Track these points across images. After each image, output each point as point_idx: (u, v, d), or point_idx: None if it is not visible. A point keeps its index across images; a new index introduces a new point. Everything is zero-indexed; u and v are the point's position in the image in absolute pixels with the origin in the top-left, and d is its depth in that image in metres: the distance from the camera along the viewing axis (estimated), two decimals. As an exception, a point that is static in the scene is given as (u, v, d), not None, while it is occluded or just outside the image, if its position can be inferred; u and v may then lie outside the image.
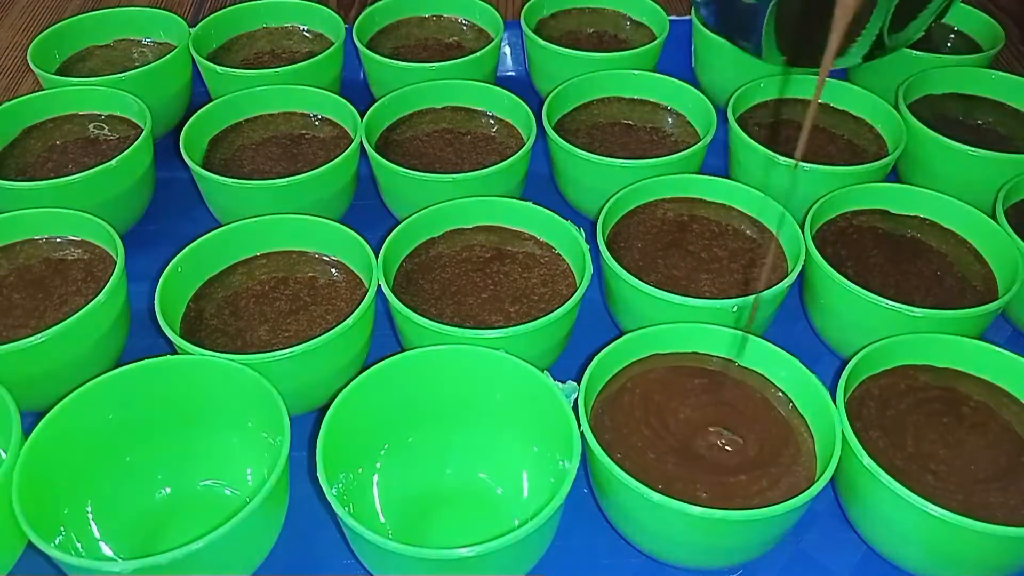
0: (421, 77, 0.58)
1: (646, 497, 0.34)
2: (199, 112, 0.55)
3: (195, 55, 0.60)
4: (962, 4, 0.68)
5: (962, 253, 0.49)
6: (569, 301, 0.42)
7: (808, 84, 0.60)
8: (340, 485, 0.37)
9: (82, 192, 0.49)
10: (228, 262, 0.47)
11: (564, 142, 0.52)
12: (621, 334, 0.42)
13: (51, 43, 0.61)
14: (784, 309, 0.47)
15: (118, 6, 0.66)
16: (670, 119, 0.58)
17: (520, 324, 0.41)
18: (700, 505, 0.34)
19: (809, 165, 0.51)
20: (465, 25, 0.67)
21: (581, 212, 0.55)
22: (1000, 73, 0.60)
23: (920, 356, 0.42)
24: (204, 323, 0.45)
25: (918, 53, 0.61)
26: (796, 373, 0.40)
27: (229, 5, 0.67)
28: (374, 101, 0.56)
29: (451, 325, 0.41)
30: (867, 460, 0.36)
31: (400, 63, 0.60)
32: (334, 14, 0.65)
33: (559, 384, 0.39)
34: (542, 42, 0.61)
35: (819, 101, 0.31)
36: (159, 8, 0.66)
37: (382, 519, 0.39)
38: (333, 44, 0.61)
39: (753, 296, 0.42)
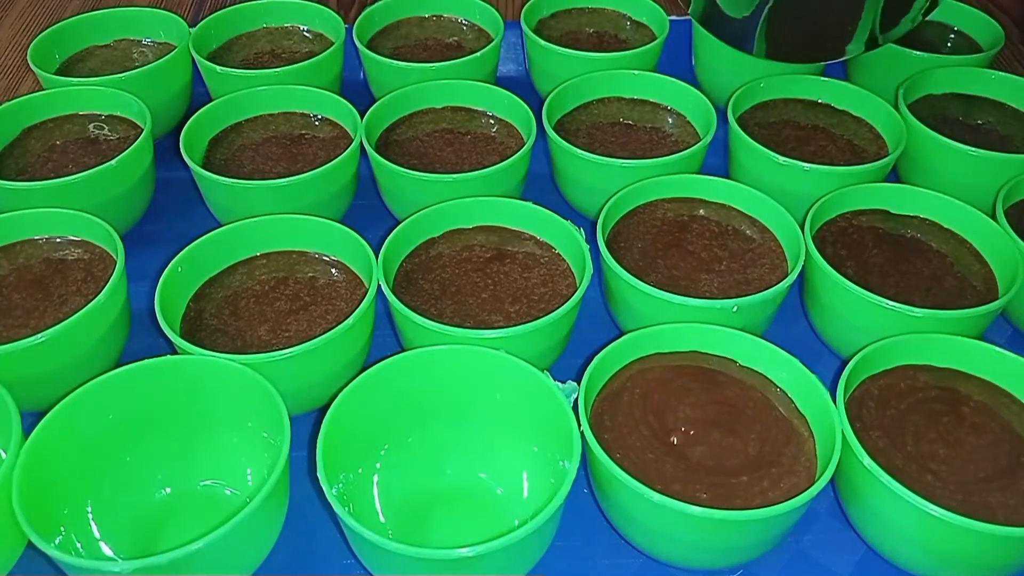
0: (421, 77, 0.58)
1: (646, 497, 0.34)
2: (199, 112, 0.55)
3: (195, 55, 0.60)
4: (962, 4, 0.68)
5: (962, 253, 0.49)
6: (569, 301, 0.42)
7: (809, 84, 0.61)
8: (340, 485, 0.37)
9: (82, 192, 0.49)
10: (228, 262, 0.47)
11: (564, 142, 0.52)
12: (621, 334, 0.42)
13: (51, 43, 0.61)
14: (784, 309, 0.47)
15: (118, 6, 0.66)
16: (670, 119, 0.58)
17: (520, 324, 0.41)
18: (700, 505, 0.34)
19: (809, 165, 0.51)
20: (465, 25, 0.67)
21: (581, 212, 0.55)
22: (1000, 73, 0.60)
23: (920, 356, 0.42)
24: (204, 323, 0.45)
25: (918, 53, 0.61)
26: (796, 373, 0.40)
27: (229, 5, 0.67)
28: (374, 101, 0.56)
29: (451, 325, 0.41)
30: (867, 460, 0.36)
31: (400, 63, 0.60)
32: (334, 14, 0.65)
33: (559, 384, 0.39)
34: (542, 42, 0.61)
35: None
36: (159, 8, 0.66)
37: (382, 519, 0.39)
38: (333, 44, 0.61)
39: (754, 295, 0.43)
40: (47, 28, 0.62)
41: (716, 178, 0.52)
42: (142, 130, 0.53)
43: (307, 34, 0.66)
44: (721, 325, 0.42)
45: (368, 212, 0.55)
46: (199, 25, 0.62)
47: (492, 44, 0.61)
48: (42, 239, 0.48)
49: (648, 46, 0.61)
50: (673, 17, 0.65)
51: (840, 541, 0.40)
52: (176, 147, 0.52)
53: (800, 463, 0.38)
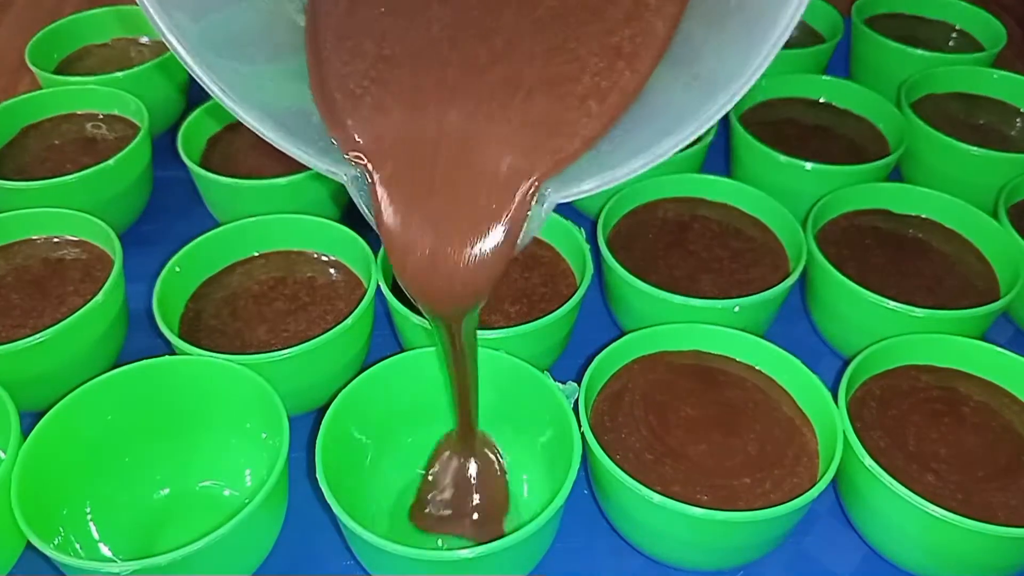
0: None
1: (646, 498, 0.34)
2: (197, 111, 0.55)
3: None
4: (964, 3, 0.68)
5: (964, 253, 0.49)
6: (569, 301, 0.42)
7: (811, 83, 0.60)
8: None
9: (80, 192, 0.49)
10: (226, 262, 0.47)
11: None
12: (621, 334, 0.42)
13: (49, 42, 0.61)
14: (785, 309, 0.47)
15: (116, 5, 0.66)
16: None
17: (520, 324, 0.41)
18: (701, 506, 0.33)
19: (811, 164, 0.51)
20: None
21: (581, 212, 0.55)
22: (1002, 72, 0.60)
23: (922, 356, 0.42)
24: (202, 323, 0.44)
25: (920, 52, 0.61)
26: (798, 373, 0.40)
27: (228, 4, 0.67)
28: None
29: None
30: (868, 460, 0.35)
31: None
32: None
33: (559, 384, 0.39)
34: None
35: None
36: (158, 7, 0.65)
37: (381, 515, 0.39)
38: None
39: (755, 296, 0.43)
40: (45, 27, 0.62)
41: (717, 178, 0.52)
42: (140, 129, 0.53)
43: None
44: (722, 325, 0.42)
45: (368, 212, 0.55)
46: (198, 24, 0.62)
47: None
48: (40, 239, 0.48)
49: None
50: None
51: (841, 542, 0.40)
52: (174, 146, 0.51)
53: (802, 464, 0.38)
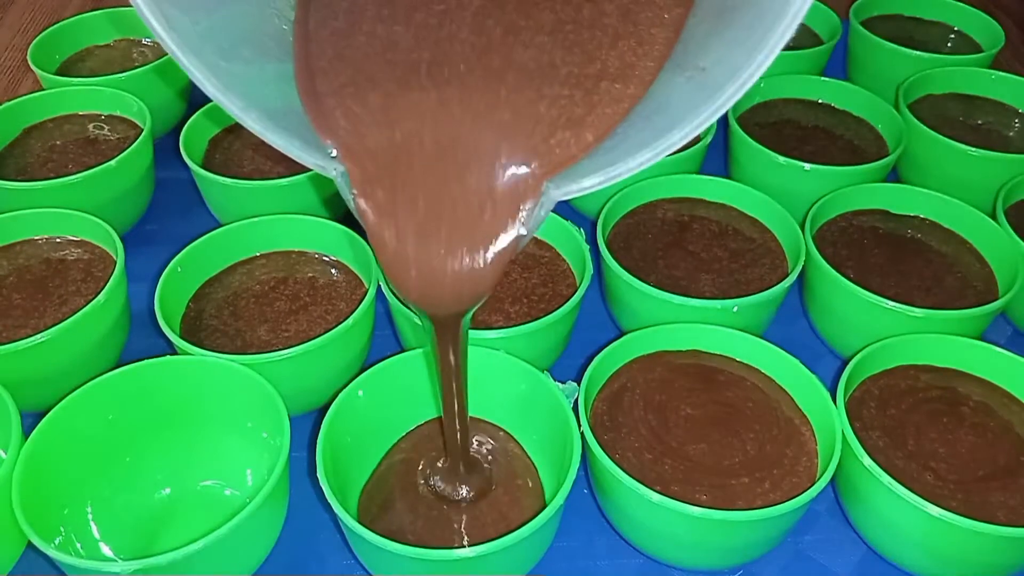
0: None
1: (646, 497, 0.34)
2: (199, 112, 0.55)
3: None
4: (962, 4, 0.68)
5: (962, 253, 0.49)
6: (569, 301, 0.42)
7: (809, 84, 0.60)
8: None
9: (82, 192, 0.49)
10: (228, 262, 0.47)
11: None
12: (621, 334, 0.42)
13: (51, 43, 0.61)
14: (784, 309, 0.47)
15: (118, 6, 0.66)
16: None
17: (520, 324, 0.41)
18: (700, 506, 0.34)
19: (810, 165, 0.51)
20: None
21: (581, 212, 0.55)
22: (1000, 73, 0.60)
23: (920, 356, 0.42)
24: (204, 323, 0.44)
25: (919, 53, 0.61)
26: (796, 373, 0.40)
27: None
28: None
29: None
30: (867, 460, 0.36)
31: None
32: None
33: (559, 384, 0.39)
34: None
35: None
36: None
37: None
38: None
39: (754, 296, 0.43)
40: (47, 28, 0.62)
41: (716, 178, 0.52)
42: (142, 130, 0.53)
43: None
44: (721, 325, 0.42)
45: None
46: (199, 25, 0.62)
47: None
48: (42, 239, 0.48)
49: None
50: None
51: (840, 541, 0.40)
52: (176, 147, 0.52)
53: (801, 463, 0.38)
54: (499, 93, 0.29)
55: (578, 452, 0.35)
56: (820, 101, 0.60)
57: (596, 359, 0.40)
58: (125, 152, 0.51)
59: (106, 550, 0.37)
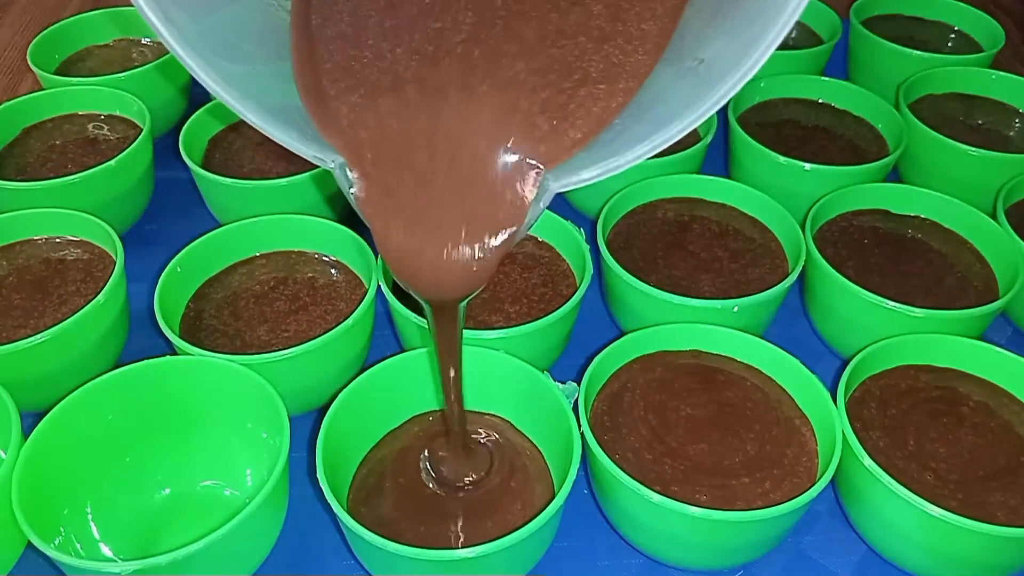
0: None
1: (645, 497, 0.34)
2: (199, 112, 0.55)
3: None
4: (963, 4, 0.68)
5: (963, 253, 0.49)
6: (569, 301, 0.42)
7: (809, 84, 0.60)
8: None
9: (81, 192, 0.49)
10: (227, 262, 0.47)
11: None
12: (621, 334, 0.42)
13: (51, 43, 0.61)
14: (784, 309, 0.47)
15: (118, 6, 0.66)
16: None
17: (520, 324, 0.41)
18: (700, 506, 0.34)
19: (810, 165, 0.51)
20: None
21: (581, 212, 0.55)
22: (1001, 73, 0.60)
23: (921, 356, 0.42)
24: (203, 323, 0.44)
25: (919, 53, 0.61)
26: (797, 373, 0.40)
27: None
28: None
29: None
30: (868, 460, 0.36)
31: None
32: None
33: (559, 384, 0.39)
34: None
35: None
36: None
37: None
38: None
39: (754, 296, 0.43)
40: (47, 28, 0.62)
41: (716, 178, 0.52)
42: (142, 130, 0.53)
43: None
44: (721, 325, 0.42)
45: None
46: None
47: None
48: (41, 239, 0.48)
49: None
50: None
51: (841, 541, 0.40)
52: (176, 147, 0.52)
53: (801, 464, 0.38)
54: (497, 87, 0.29)
55: (578, 452, 0.35)
56: (820, 101, 0.60)
57: (596, 359, 0.40)
58: (125, 152, 0.51)
59: (106, 550, 0.37)
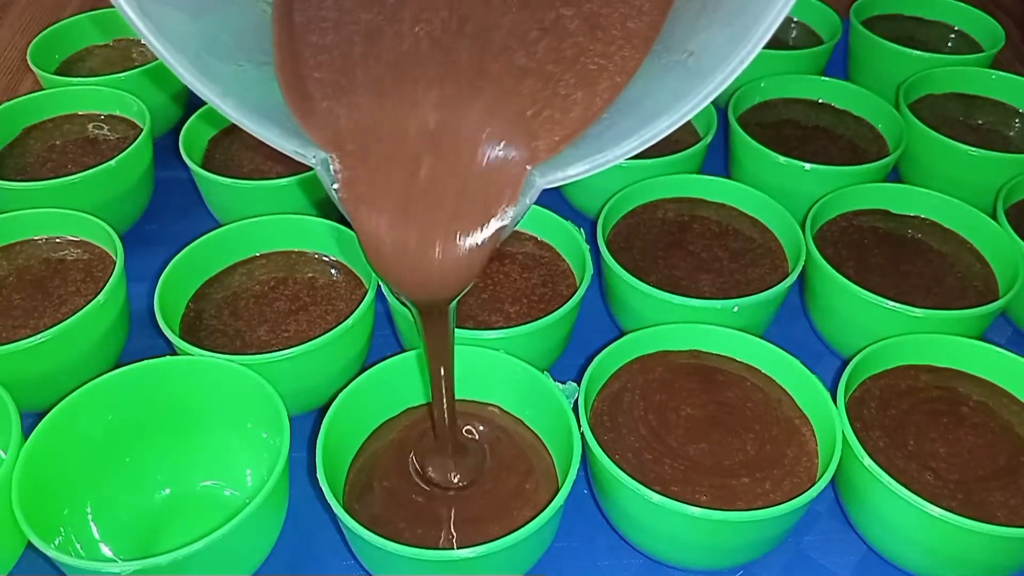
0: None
1: (645, 497, 0.34)
2: (199, 112, 0.55)
3: (195, 55, 0.60)
4: (963, 4, 0.68)
5: (963, 253, 0.49)
6: (569, 301, 0.42)
7: (809, 84, 0.60)
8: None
9: (81, 192, 0.49)
10: (227, 262, 0.47)
11: (564, 142, 0.52)
12: (621, 334, 0.42)
13: (50, 43, 0.61)
14: (784, 309, 0.47)
15: (117, 6, 0.66)
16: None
17: (520, 324, 0.41)
18: (699, 506, 0.34)
19: (810, 165, 0.51)
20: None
21: (581, 212, 0.55)
22: (1001, 73, 0.60)
23: (921, 356, 0.42)
24: (203, 323, 0.44)
25: (919, 53, 0.61)
26: (797, 373, 0.40)
27: (229, 5, 0.67)
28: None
29: (451, 325, 0.41)
30: (867, 460, 0.36)
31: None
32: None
33: (559, 384, 0.39)
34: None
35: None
36: (159, 8, 0.65)
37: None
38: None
39: (754, 296, 0.43)
40: (47, 27, 0.62)
41: (716, 178, 0.52)
42: (142, 130, 0.53)
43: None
44: (721, 325, 0.42)
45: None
46: (199, 25, 0.62)
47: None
48: (41, 239, 0.48)
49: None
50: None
51: (841, 541, 0.40)
52: (176, 147, 0.52)
53: (801, 464, 0.38)
54: (483, 84, 0.28)
55: (578, 452, 0.35)
56: (820, 101, 0.60)
57: (596, 359, 0.40)
58: (125, 152, 0.51)
59: (106, 550, 0.37)
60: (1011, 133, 0.58)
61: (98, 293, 0.42)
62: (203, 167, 0.52)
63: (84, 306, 0.41)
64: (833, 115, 0.59)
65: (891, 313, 0.43)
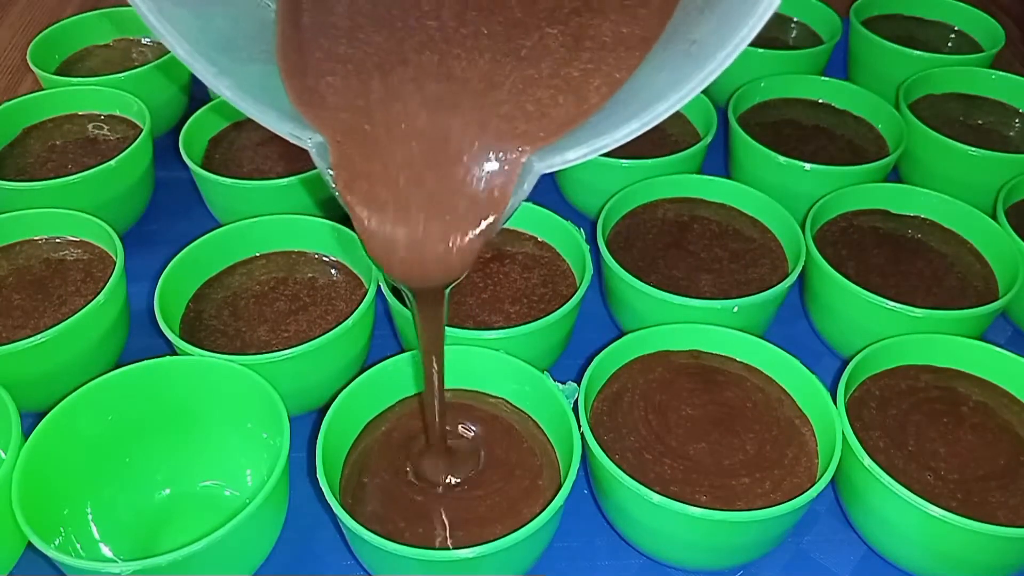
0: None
1: (645, 498, 0.34)
2: (199, 112, 0.55)
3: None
4: (963, 4, 0.68)
5: (962, 253, 0.49)
6: (569, 301, 0.42)
7: (809, 84, 0.61)
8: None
9: (81, 192, 0.49)
10: (227, 262, 0.47)
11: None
12: (621, 334, 0.42)
13: (50, 43, 0.61)
14: (784, 309, 0.47)
15: (117, 6, 0.66)
16: (670, 119, 0.58)
17: (520, 324, 0.41)
18: (699, 506, 0.34)
19: (810, 165, 0.51)
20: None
21: (581, 212, 0.55)
22: (1000, 73, 0.60)
23: (921, 356, 0.42)
24: (203, 323, 0.44)
25: (919, 53, 0.61)
26: (797, 373, 0.40)
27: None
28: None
29: (451, 326, 0.41)
30: (867, 460, 0.36)
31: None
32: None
33: (559, 384, 0.39)
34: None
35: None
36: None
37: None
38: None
39: (754, 296, 0.43)
40: (46, 28, 0.62)
41: (716, 178, 0.52)
42: (142, 130, 0.53)
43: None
44: (721, 325, 0.42)
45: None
46: (199, 25, 0.62)
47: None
48: (42, 239, 0.48)
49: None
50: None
51: (841, 541, 0.40)
52: (176, 147, 0.52)
53: (801, 464, 0.38)
54: (484, 67, 0.28)
55: (578, 452, 0.35)
56: (820, 101, 0.60)
57: (596, 359, 0.40)
58: (125, 152, 0.51)
59: (106, 551, 0.37)
60: (1011, 133, 0.58)
61: (98, 293, 0.42)
62: (203, 167, 0.52)
63: (84, 306, 0.41)
64: (833, 115, 0.59)
65: (891, 313, 0.43)
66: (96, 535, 0.38)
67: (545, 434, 0.39)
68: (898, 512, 0.35)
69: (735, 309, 0.43)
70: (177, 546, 0.32)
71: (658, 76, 0.27)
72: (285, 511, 0.38)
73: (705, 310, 0.43)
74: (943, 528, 0.34)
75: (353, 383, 0.39)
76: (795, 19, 0.68)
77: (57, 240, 0.48)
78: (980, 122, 0.59)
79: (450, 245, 0.27)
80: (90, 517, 0.38)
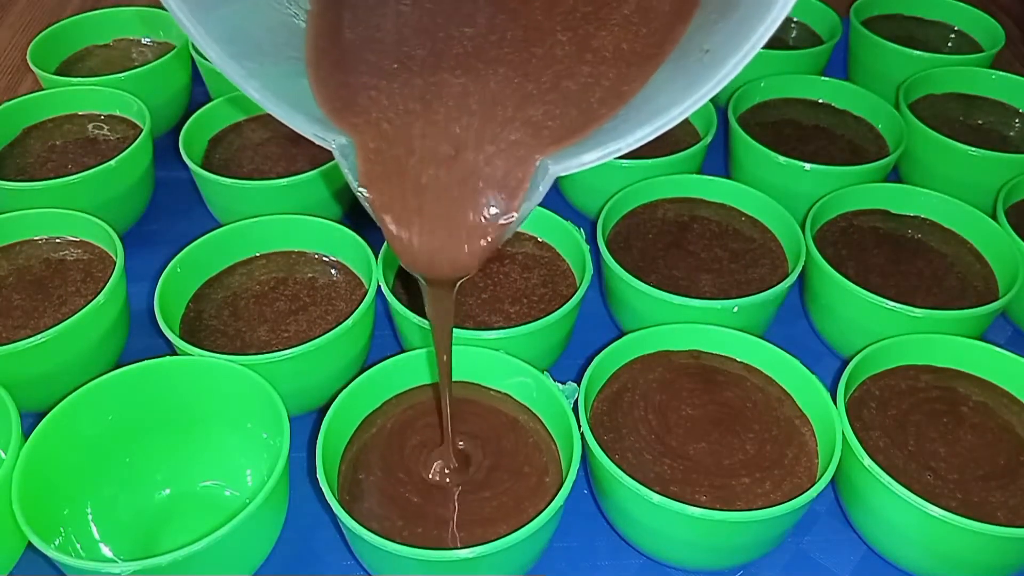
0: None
1: (645, 498, 0.34)
2: (199, 112, 0.55)
3: (195, 55, 0.60)
4: (963, 4, 0.68)
5: (962, 253, 0.49)
6: (569, 301, 0.42)
7: (809, 84, 0.61)
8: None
9: (82, 192, 0.49)
10: (227, 262, 0.47)
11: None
12: (621, 334, 0.42)
13: (50, 43, 0.61)
14: (784, 309, 0.47)
15: (117, 6, 0.66)
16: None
17: (520, 324, 0.41)
18: (699, 506, 0.34)
19: (810, 165, 0.51)
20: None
21: (581, 212, 0.55)
22: (1000, 73, 0.60)
23: (921, 356, 0.42)
24: (203, 323, 0.44)
25: (919, 53, 0.61)
26: (797, 373, 0.40)
27: (229, 5, 0.67)
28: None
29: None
30: (867, 460, 0.36)
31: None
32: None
33: (559, 384, 0.39)
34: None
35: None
36: (158, 8, 0.65)
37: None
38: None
39: (754, 296, 0.43)
40: (46, 28, 0.62)
41: (716, 178, 0.52)
42: (142, 130, 0.53)
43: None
44: (721, 325, 0.42)
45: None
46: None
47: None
48: (42, 239, 0.48)
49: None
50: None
51: (840, 541, 0.40)
52: (176, 147, 0.52)
53: (801, 464, 0.38)
54: (504, 80, 0.30)
55: (578, 452, 0.35)
56: (820, 101, 0.60)
57: (596, 359, 0.40)
58: (125, 152, 0.51)
59: (106, 551, 0.37)
60: (1011, 133, 0.58)
61: (98, 293, 0.42)
62: (203, 167, 0.52)
63: (84, 306, 0.41)
64: (833, 115, 0.59)
65: (891, 313, 0.43)
66: (96, 535, 0.38)
67: (548, 431, 0.39)
68: (898, 512, 0.35)
69: (735, 309, 0.43)
70: (177, 546, 0.32)
71: (670, 85, 0.28)
72: (285, 511, 0.38)
73: (705, 310, 0.43)
74: (943, 528, 0.34)
75: (353, 383, 0.39)
76: (795, 19, 0.69)
77: (57, 240, 0.48)
78: (980, 122, 0.59)
79: (469, 241, 0.29)
80: (90, 517, 0.38)
